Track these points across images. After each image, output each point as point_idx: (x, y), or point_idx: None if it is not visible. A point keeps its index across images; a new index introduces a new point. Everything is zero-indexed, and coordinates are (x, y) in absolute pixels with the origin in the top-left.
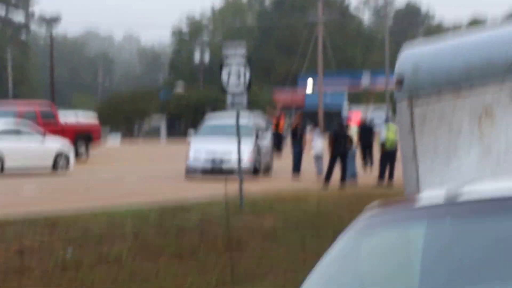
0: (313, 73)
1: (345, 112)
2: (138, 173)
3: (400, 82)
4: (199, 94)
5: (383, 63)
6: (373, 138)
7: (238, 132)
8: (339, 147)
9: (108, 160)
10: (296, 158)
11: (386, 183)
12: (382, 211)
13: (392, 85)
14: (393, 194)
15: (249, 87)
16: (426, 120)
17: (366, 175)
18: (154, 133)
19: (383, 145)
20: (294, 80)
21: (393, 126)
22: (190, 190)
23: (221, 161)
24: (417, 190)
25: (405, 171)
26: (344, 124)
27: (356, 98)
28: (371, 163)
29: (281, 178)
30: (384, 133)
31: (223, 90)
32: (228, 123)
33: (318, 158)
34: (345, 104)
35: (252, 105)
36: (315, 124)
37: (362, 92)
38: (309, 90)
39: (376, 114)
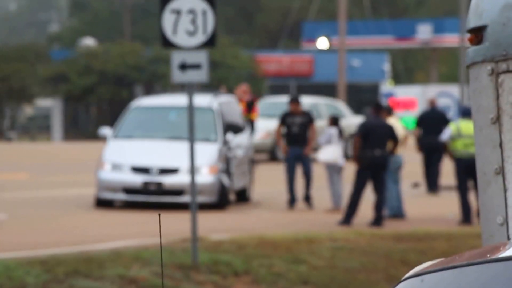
0: (329, 19)
1: (385, 87)
2: (8, 192)
3: (478, 34)
4: (123, 54)
5: (452, 2)
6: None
7: (191, 123)
8: (373, 153)
9: None
10: (290, 171)
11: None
12: (438, 276)
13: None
14: (464, 236)
15: (212, 40)
16: None
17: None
18: (39, 126)
19: (445, 147)
20: (294, 31)
21: (468, 127)
22: (104, 228)
23: (160, 184)
24: (506, 230)
25: (483, 193)
26: (384, 108)
27: (407, 64)
28: (435, 186)
29: (267, 207)
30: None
31: (165, 43)
32: (173, 112)
33: (333, 170)
34: (386, 71)
35: (217, 75)
36: (334, 119)
37: (418, 52)
38: (321, 46)
39: (442, 100)
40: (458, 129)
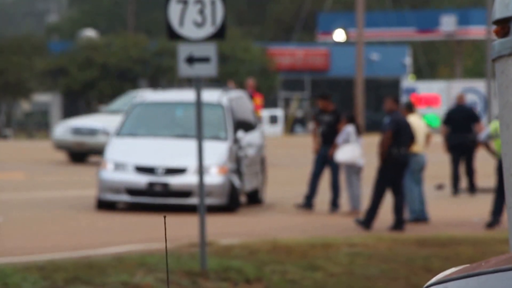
0: (346, 10)
1: (406, 82)
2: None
3: (504, 25)
4: (126, 46)
5: None
6: (476, 136)
7: (199, 120)
8: (399, 151)
9: None
10: (314, 172)
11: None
12: (462, 283)
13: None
14: (491, 241)
15: (222, 32)
16: None
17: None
18: (37, 123)
19: (485, 147)
20: (309, 22)
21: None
22: (106, 231)
23: (166, 185)
24: None
25: (510, 195)
26: (405, 105)
27: (430, 57)
28: (473, 187)
29: (280, 210)
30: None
31: (171, 35)
32: (180, 108)
33: (351, 171)
34: (407, 65)
35: (226, 69)
36: (350, 116)
37: (441, 44)
38: (338, 38)
39: (467, 96)
40: (497, 128)
